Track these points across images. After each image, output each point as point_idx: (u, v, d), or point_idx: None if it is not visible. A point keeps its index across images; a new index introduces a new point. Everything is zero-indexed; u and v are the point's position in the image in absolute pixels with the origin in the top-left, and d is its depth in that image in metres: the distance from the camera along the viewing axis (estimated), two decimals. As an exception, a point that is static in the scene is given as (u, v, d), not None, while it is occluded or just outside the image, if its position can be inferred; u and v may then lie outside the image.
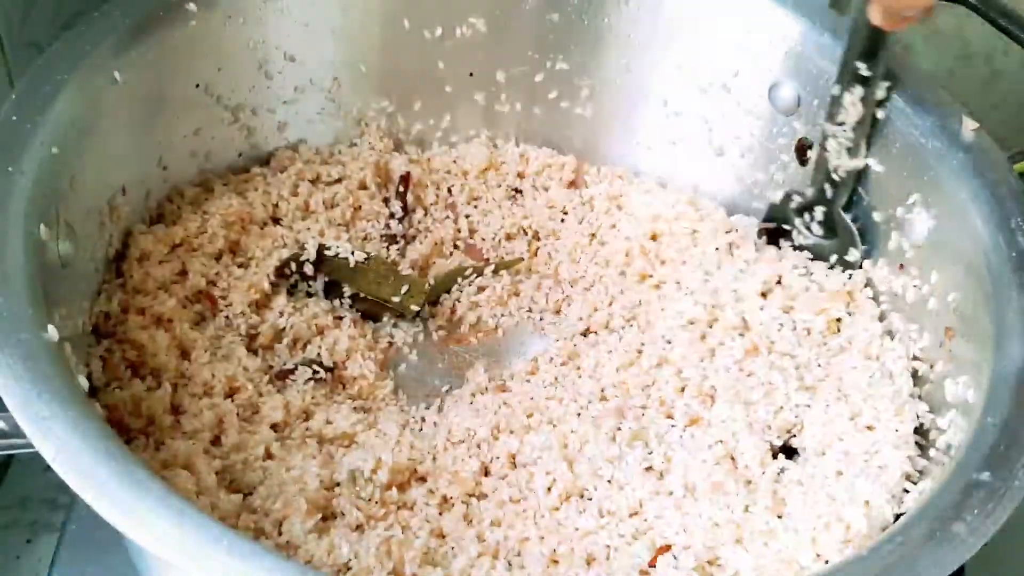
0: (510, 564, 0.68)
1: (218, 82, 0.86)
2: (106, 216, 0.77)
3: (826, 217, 0.87)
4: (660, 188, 0.99)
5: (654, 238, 0.94)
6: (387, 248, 0.92)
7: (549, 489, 0.72)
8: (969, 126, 0.78)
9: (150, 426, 0.71)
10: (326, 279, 0.86)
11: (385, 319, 0.88)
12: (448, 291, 0.91)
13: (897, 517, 0.68)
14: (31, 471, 0.89)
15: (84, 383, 0.59)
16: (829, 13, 0.85)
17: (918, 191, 0.79)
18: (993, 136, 0.78)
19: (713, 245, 0.91)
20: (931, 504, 0.58)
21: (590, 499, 0.72)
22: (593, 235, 0.96)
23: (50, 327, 0.58)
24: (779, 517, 0.70)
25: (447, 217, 0.97)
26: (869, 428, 0.74)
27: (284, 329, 0.82)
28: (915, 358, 0.78)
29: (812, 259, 0.88)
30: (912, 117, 0.80)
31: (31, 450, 0.53)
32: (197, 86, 0.84)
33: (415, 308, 0.87)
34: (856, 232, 0.85)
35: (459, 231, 0.96)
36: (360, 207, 0.93)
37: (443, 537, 0.69)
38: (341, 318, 0.85)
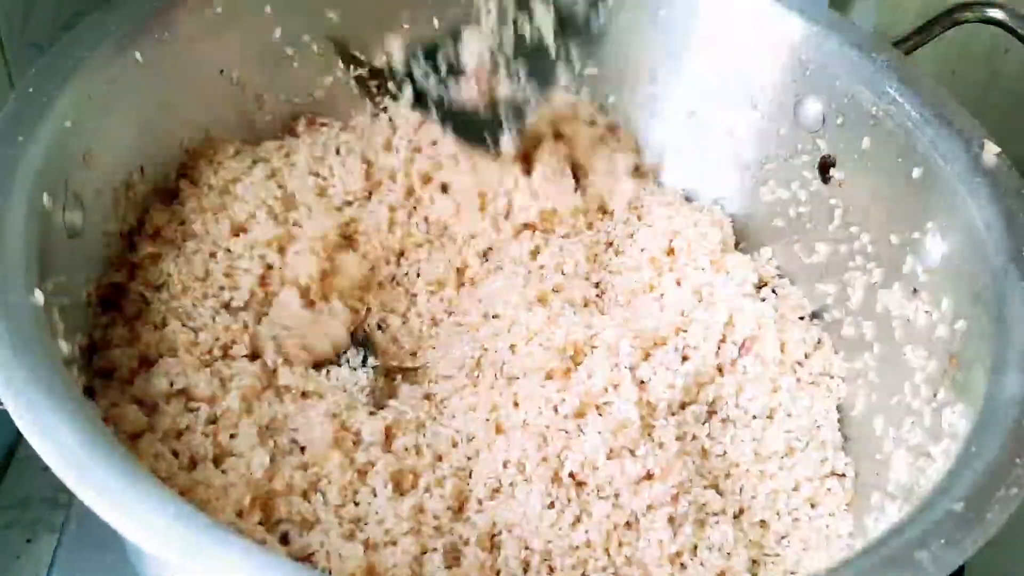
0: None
1: (242, 69, 0.88)
2: (122, 193, 0.79)
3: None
4: (683, 202, 0.98)
5: (670, 253, 0.93)
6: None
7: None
8: (991, 151, 0.76)
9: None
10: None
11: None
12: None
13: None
14: (31, 471, 0.91)
15: (65, 347, 0.60)
16: (853, 30, 0.84)
17: (935, 215, 0.77)
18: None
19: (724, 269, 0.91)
20: (899, 530, 0.56)
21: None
22: (610, 243, 0.95)
23: (36, 291, 0.60)
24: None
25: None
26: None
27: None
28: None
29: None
30: (934, 139, 0.78)
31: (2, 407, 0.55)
32: (221, 72, 0.86)
33: None
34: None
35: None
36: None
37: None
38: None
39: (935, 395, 0.73)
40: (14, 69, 0.85)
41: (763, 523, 0.78)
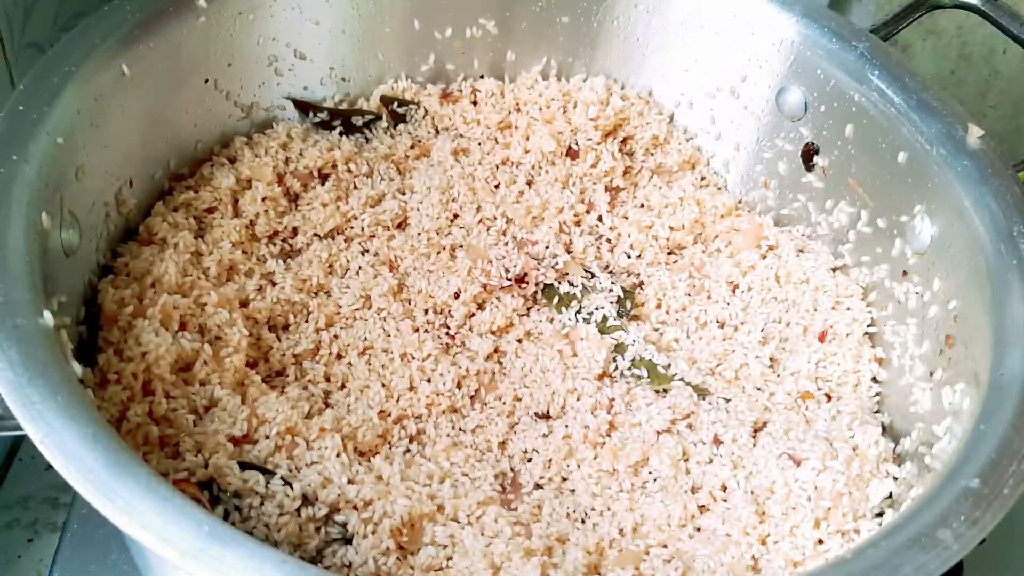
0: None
1: (228, 78, 0.87)
2: (112, 208, 0.78)
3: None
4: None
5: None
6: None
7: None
8: (975, 133, 0.77)
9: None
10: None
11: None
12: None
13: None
14: (32, 471, 0.90)
15: (78, 369, 0.60)
16: (834, 19, 0.85)
17: (923, 199, 0.79)
18: (992, 136, 0.78)
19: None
20: (919, 509, 0.57)
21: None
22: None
23: (46, 313, 0.59)
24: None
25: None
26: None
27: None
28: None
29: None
30: (918, 124, 0.80)
31: (21, 432, 0.54)
32: (206, 81, 0.85)
33: None
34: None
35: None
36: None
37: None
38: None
39: (931, 374, 0.75)
40: (15, 69, 0.84)
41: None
